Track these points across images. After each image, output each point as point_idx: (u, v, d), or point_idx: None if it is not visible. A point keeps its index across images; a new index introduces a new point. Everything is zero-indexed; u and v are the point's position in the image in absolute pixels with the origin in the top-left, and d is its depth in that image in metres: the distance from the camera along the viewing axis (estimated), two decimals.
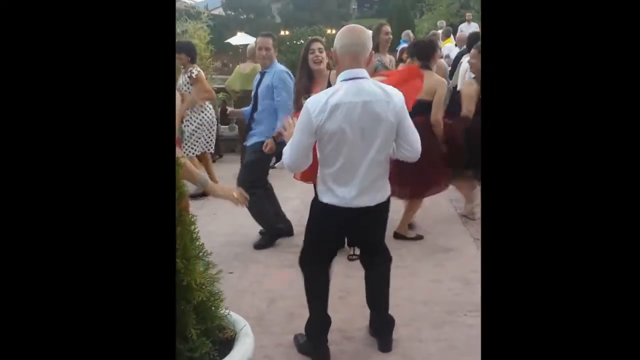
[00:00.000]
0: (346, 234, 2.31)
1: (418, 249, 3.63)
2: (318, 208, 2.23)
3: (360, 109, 2.00)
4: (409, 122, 2.14)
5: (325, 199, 2.17)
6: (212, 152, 5.23)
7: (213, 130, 5.02)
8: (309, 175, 2.40)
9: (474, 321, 2.64)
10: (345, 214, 2.15)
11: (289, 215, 3.97)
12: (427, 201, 4.45)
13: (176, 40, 4.50)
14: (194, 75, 4.63)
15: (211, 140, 5.01)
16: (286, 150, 2.11)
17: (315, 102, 2.03)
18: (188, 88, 4.70)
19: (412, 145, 2.16)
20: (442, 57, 6.36)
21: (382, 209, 2.25)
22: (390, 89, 2.11)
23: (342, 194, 2.12)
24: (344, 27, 2.16)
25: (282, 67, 3.66)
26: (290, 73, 3.65)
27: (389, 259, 2.45)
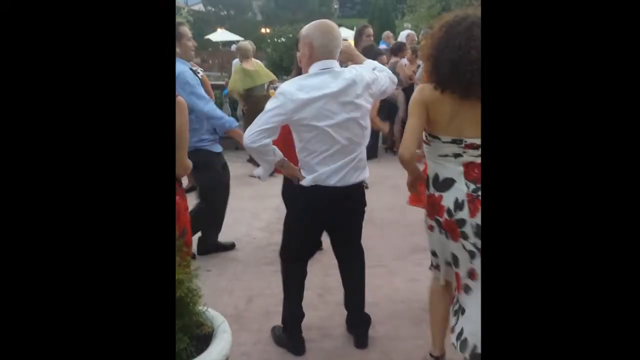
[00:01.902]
0: (327, 221, 2.31)
1: (398, 249, 3.66)
2: (300, 196, 2.25)
3: (335, 95, 2.06)
4: (377, 76, 2.23)
5: (305, 181, 2.18)
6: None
7: None
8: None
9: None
10: (329, 194, 2.18)
11: (269, 213, 3.96)
12: (402, 200, 4.49)
13: None
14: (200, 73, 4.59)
15: None
16: (250, 127, 2.10)
17: (290, 86, 2.08)
18: None
19: (386, 84, 2.28)
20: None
21: (362, 190, 2.32)
22: (359, 67, 2.22)
23: (320, 175, 2.15)
24: (320, 22, 2.19)
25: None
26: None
27: (362, 252, 2.49)
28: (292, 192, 2.31)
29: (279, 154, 2.18)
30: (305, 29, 2.18)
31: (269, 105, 2.08)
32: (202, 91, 3.17)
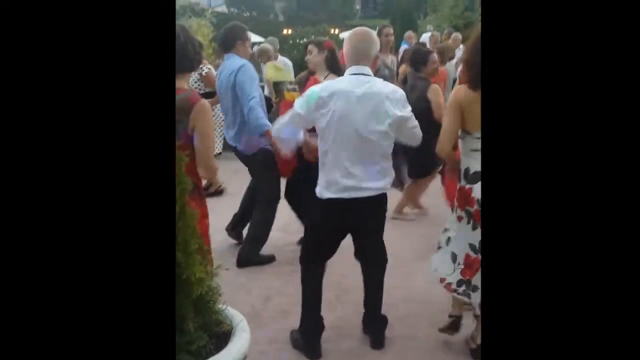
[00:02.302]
0: (346, 230, 2.34)
1: (416, 250, 3.65)
2: (318, 206, 2.27)
3: (359, 99, 2.11)
4: (411, 117, 2.24)
5: (327, 194, 2.20)
6: (219, 152, 5.10)
7: (217, 130, 4.96)
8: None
9: (469, 321, 2.66)
10: (347, 205, 2.20)
11: (286, 213, 3.98)
12: (426, 202, 4.48)
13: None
14: (204, 72, 4.64)
15: (217, 140, 4.96)
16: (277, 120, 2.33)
17: (317, 87, 2.22)
18: (199, 85, 4.70)
19: (413, 139, 2.33)
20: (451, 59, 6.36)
21: (382, 200, 2.32)
22: (392, 86, 2.27)
23: (341, 185, 2.17)
24: (354, 29, 2.31)
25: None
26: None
27: (385, 259, 2.49)
28: (314, 199, 2.33)
29: (301, 138, 2.44)
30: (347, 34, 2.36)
31: (295, 103, 2.24)
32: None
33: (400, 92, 2.23)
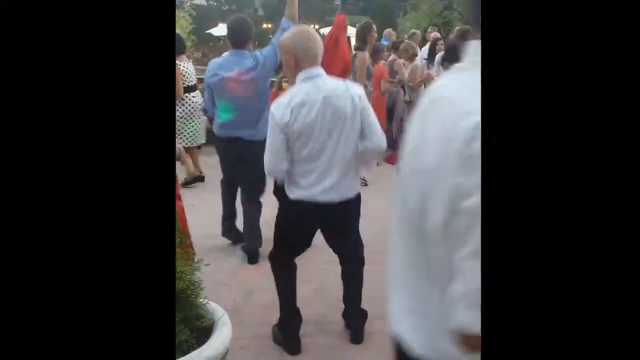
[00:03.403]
0: (315, 230, 2.34)
1: None
2: (287, 205, 2.26)
3: (321, 105, 2.07)
4: (370, 112, 2.20)
5: (293, 194, 2.19)
6: (197, 145, 5.00)
7: (194, 123, 4.91)
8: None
9: None
10: (313, 208, 2.18)
11: (268, 208, 3.97)
12: None
13: None
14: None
15: (193, 133, 4.91)
16: (265, 154, 2.17)
17: (279, 105, 2.10)
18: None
19: (377, 133, 2.21)
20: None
21: (350, 206, 2.28)
22: (349, 83, 2.23)
23: (309, 189, 2.15)
24: (298, 30, 2.24)
25: None
26: None
27: (361, 260, 2.48)
28: (283, 197, 2.32)
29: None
30: (285, 39, 2.19)
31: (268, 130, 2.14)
32: None
33: (358, 88, 2.25)
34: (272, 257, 2.45)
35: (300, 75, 2.13)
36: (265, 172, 2.19)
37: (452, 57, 4.21)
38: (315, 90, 2.08)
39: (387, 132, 6.52)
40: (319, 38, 2.20)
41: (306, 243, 2.41)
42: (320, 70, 2.15)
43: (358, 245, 2.48)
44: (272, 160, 2.13)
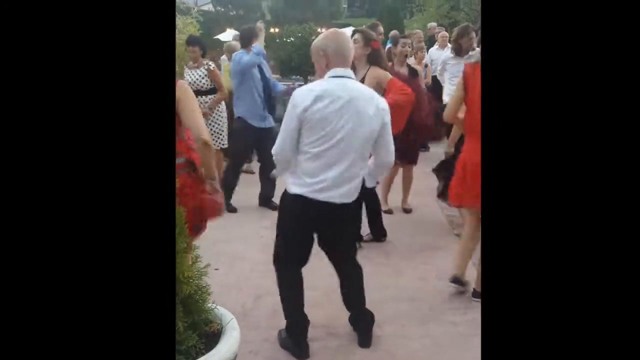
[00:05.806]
0: (314, 230, 2.32)
1: (405, 248, 3.67)
2: (287, 201, 2.26)
3: (344, 102, 2.08)
4: (389, 129, 2.23)
5: (294, 189, 2.19)
6: (223, 147, 4.97)
7: (220, 125, 4.90)
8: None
9: (459, 319, 2.68)
10: (312, 206, 2.17)
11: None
12: (414, 201, 4.50)
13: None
14: (211, 67, 4.65)
15: (220, 136, 4.89)
16: (277, 138, 2.21)
17: (301, 90, 2.15)
18: (206, 81, 4.67)
19: (388, 150, 2.25)
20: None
21: (349, 211, 2.27)
22: (375, 94, 2.24)
23: (311, 185, 2.15)
24: (331, 31, 2.27)
25: None
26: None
27: (358, 268, 2.47)
28: (283, 194, 2.31)
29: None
30: (318, 40, 2.24)
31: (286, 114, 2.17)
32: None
33: (383, 100, 2.27)
34: (276, 259, 2.43)
35: (330, 73, 2.17)
36: (272, 154, 2.22)
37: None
38: (341, 88, 2.11)
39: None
40: (350, 40, 2.25)
41: (306, 244, 2.36)
42: (349, 72, 2.18)
43: (352, 250, 2.47)
44: (280, 144, 2.17)
